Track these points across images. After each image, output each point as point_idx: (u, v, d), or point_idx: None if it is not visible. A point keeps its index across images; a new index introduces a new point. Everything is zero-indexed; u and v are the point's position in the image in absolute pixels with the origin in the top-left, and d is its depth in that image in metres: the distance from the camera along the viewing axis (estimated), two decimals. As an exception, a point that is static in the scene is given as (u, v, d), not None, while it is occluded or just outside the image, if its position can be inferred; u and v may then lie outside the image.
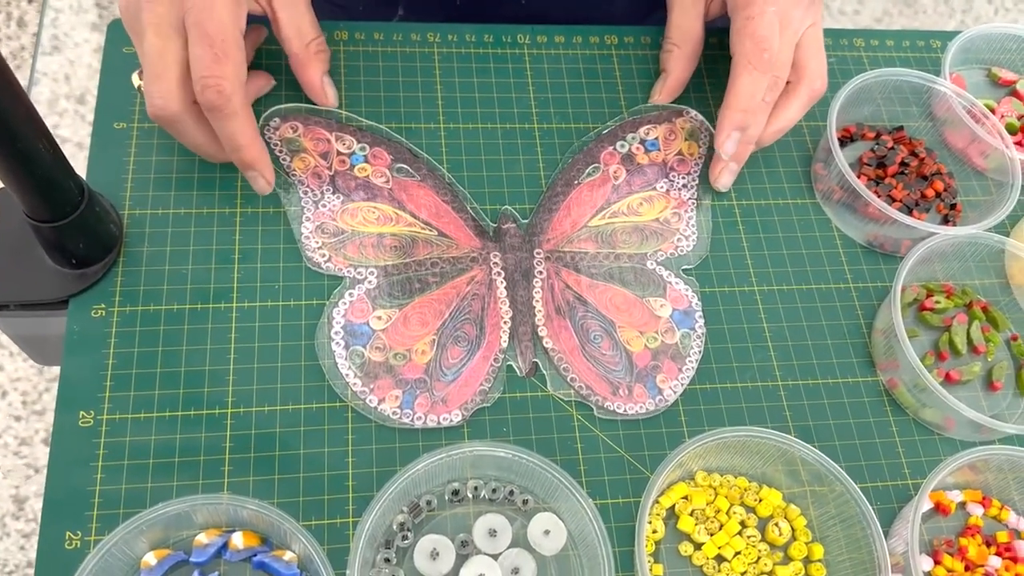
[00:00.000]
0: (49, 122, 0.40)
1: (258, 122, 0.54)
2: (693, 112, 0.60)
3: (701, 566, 0.47)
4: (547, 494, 0.46)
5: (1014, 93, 0.66)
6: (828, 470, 0.47)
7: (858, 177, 0.58)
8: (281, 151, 0.54)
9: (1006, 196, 0.57)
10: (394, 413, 0.48)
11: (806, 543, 0.48)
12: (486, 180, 0.56)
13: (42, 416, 1.29)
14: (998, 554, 0.49)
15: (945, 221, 0.59)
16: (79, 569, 0.40)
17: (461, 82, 0.59)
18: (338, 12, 0.69)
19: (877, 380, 0.53)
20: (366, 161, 0.55)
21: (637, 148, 0.58)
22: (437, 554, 0.45)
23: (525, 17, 0.65)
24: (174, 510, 0.42)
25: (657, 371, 0.51)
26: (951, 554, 0.49)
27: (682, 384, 0.51)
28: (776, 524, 0.48)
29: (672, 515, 0.48)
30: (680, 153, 0.58)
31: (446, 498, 0.46)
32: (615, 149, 0.58)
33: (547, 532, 0.46)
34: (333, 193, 0.53)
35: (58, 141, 0.42)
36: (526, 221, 0.55)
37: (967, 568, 0.48)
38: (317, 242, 0.52)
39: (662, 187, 0.57)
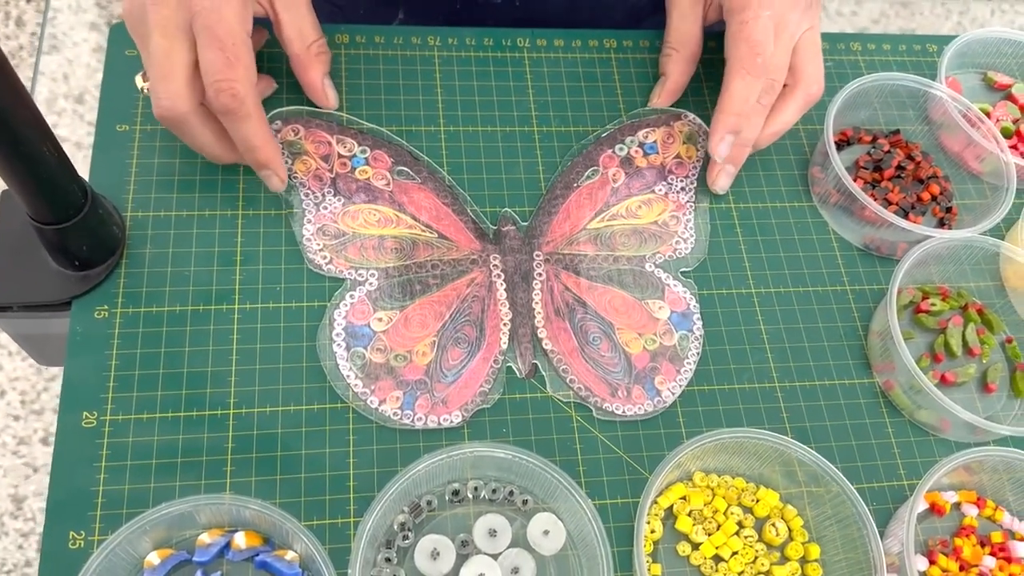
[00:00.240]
0: (47, 121, 0.40)
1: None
2: (691, 115, 0.60)
3: (699, 566, 0.47)
4: (546, 494, 0.47)
5: (1009, 97, 0.67)
6: (824, 471, 0.47)
7: (855, 180, 0.58)
8: (283, 153, 0.54)
9: (1001, 200, 0.57)
10: (395, 414, 0.48)
11: (803, 543, 0.49)
12: (486, 183, 0.56)
13: (40, 415, 1.29)
14: (992, 554, 0.50)
15: (941, 224, 0.59)
16: (83, 569, 0.40)
17: (461, 85, 0.59)
18: (338, 15, 0.69)
19: (873, 382, 0.54)
20: (367, 164, 0.55)
21: (636, 151, 0.58)
22: (437, 554, 0.45)
23: (525, 21, 0.65)
24: (177, 510, 0.42)
25: (655, 373, 0.51)
26: (946, 554, 0.49)
27: (680, 386, 0.51)
28: (773, 524, 0.48)
29: (670, 515, 0.49)
30: (678, 156, 0.59)
31: (446, 498, 0.47)
32: (614, 152, 0.58)
33: (546, 532, 0.46)
34: (334, 195, 0.54)
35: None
36: (526, 223, 0.55)
37: (962, 568, 0.49)
38: (318, 244, 0.52)
39: (660, 190, 0.58)
